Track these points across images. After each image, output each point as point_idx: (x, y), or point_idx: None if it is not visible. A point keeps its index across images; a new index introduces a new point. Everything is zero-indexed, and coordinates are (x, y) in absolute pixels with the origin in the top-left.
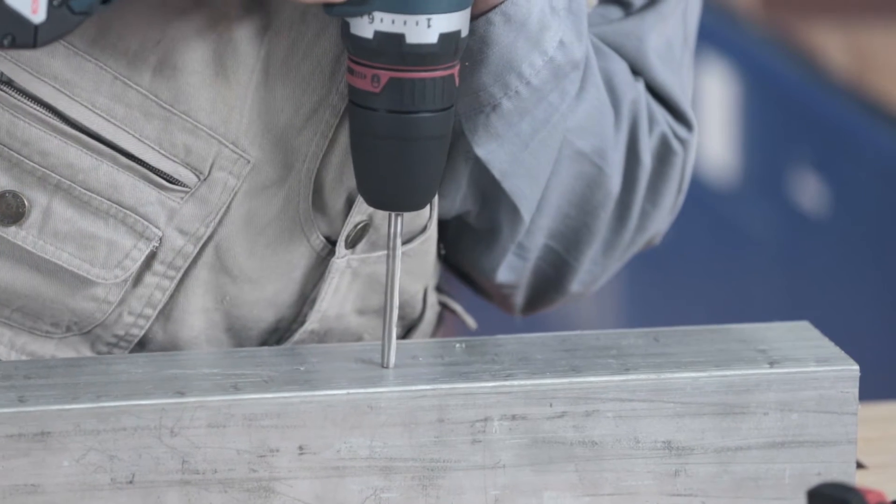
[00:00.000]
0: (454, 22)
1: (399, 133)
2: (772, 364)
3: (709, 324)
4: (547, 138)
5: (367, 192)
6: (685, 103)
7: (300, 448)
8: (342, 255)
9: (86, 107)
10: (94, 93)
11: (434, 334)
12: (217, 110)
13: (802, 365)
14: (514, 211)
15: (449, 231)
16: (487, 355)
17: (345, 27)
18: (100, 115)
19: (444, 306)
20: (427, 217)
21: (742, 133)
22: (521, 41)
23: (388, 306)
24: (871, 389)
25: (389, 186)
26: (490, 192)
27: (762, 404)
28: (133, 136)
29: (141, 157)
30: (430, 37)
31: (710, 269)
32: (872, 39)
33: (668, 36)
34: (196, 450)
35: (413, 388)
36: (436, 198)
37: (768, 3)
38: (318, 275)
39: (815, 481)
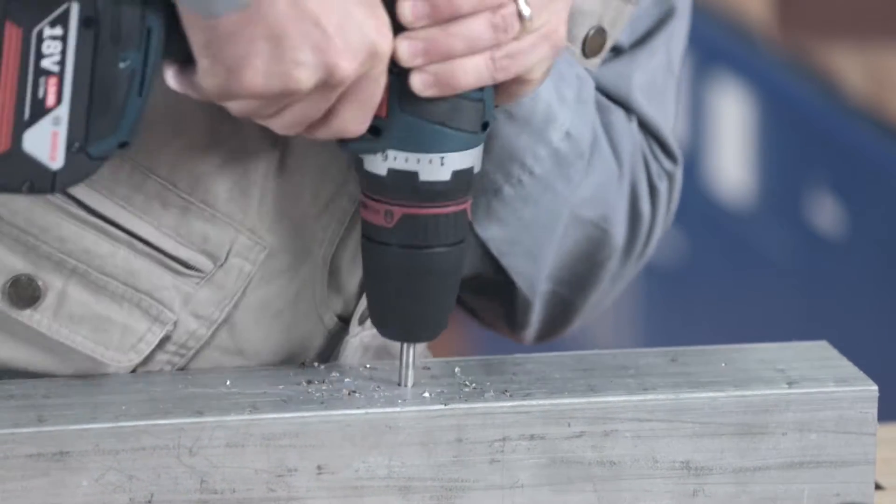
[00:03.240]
0: (467, 159)
1: (412, 268)
2: (790, 384)
3: (727, 344)
4: (549, 223)
5: (379, 322)
6: (671, 137)
7: (318, 468)
8: (355, 334)
9: (104, 196)
10: (113, 182)
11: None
12: (235, 198)
13: (821, 385)
14: None
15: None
16: (505, 375)
17: (358, 163)
18: (118, 204)
19: None
20: None
21: (759, 155)
22: (525, 135)
23: None
24: (890, 410)
25: (402, 318)
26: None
27: (781, 424)
28: (151, 224)
29: (158, 244)
30: (444, 174)
31: (728, 289)
32: (890, 61)
33: (653, 69)
34: (214, 469)
35: (431, 407)
36: None
37: (785, 24)
38: (330, 352)
39: (833, 502)
